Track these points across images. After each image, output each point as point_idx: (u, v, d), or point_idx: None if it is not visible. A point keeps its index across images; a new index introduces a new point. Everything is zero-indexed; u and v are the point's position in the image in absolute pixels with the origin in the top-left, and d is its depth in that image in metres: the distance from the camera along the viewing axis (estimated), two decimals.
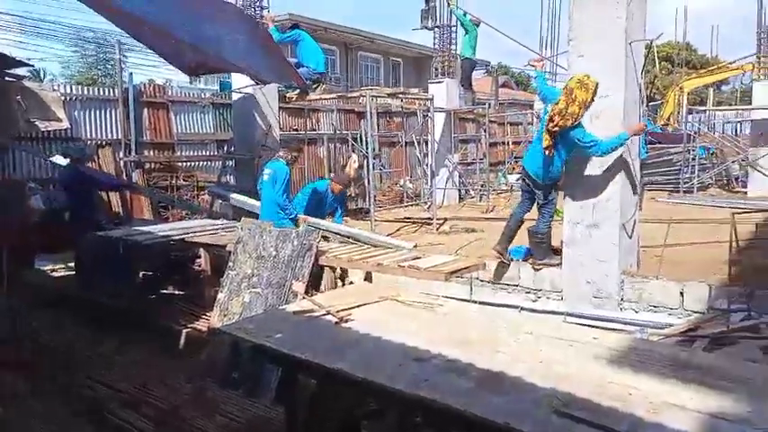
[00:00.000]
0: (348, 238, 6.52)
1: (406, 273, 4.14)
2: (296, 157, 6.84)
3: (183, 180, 9.93)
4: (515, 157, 15.99)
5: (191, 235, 5.92)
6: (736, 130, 20.13)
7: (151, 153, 9.78)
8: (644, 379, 2.44)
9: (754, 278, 4.74)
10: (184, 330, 4.87)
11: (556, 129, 5.15)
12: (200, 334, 4.83)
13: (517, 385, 2.43)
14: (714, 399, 2.24)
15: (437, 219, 9.04)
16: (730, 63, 16.34)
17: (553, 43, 14.88)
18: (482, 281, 5.83)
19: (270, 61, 4.44)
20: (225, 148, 10.36)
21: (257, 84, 7.95)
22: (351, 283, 4.87)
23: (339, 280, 4.91)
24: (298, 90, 8.42)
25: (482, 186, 12.18)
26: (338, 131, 11.42)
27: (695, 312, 4.81)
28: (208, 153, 10.44)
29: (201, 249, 5.67)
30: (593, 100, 5.02)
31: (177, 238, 5.89)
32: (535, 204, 5.80)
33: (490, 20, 11.95)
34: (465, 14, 11.70)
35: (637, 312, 5.13)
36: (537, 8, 14.61)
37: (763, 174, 11.71)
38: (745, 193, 12.28)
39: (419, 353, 2.80)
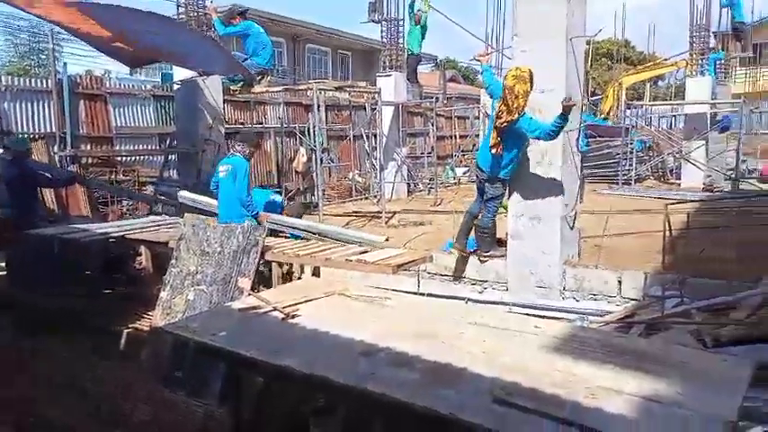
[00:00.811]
0: (316, 234, 6.32)
1: (353, 267, 4.13)
2: (254, 152, 6.53)
3: (124, 175, 9.57)
4: (462, 151, 16.22)
5: (131, 232, 5.73)
6: (671, 124, 21.03)
7: (88, 147, 9.38)
8: (583, 365, 2.52)
9: (686, 266, 4.98)
10: (125, 330, 4.71)
11: (504, 124, 5.25)
12: (141, 334, 4.68)
13: (462, 376, 2.47)
14: (648, 382, 2.33)
15: (386, 212, 9.06)
16: (665, 60, 17.06)
17: (499, 37, 15.10)
18: (430, 273, 5.90)
19: (213, 52, 4.33)
20: (167, 142, 10.04)
21: (200, 75, 7.73)
22: (299, 278, 4.83)
23: (288, 275, 4.87)
24: (242, 83, 8.24)
25: (430, 180, 12.29)
26: (285, 125, 11.28)
27: (632, 300, 5.01)
28: (149, 147, 10.11)
29: (142, 247, 5.49)
30: (532, 87, 5.17)
31: (117, 235, 5.69)
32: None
33: (437, 14, 12.07)
34: (425, 13, 11.76)
35: (578, 301, 5.30)
36: (483, 2, 14.70)
37: (696, 166, 12.29)
38: (679, 184, 12.85)
39: (366, 347, 2.81)
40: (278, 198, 7.80)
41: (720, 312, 4.25)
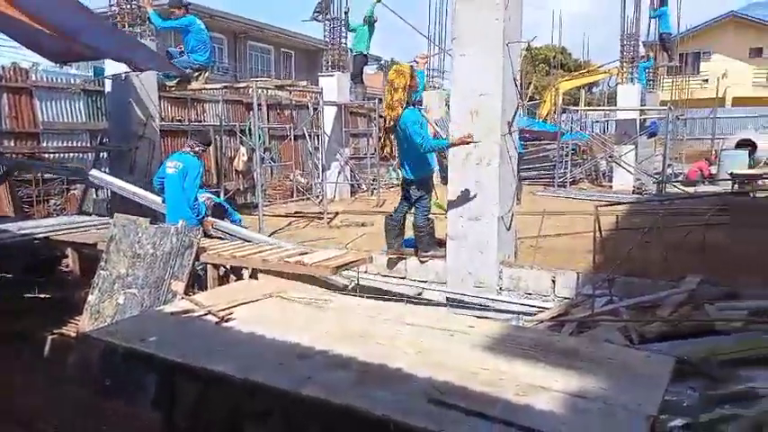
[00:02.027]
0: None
1: (291, 269, 4.08)
2: (205, 151, 6.27)
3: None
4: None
5: (57, 233, 5.45)
6: (604, 129, 21.89)
7: (12, 143, 8.84)
8: (515, 364, 2.58)
9: (614, 266, 5.19)
10: (49, 336, 4.48)
11: (392, 123, 5.41)
12: (68, 340, 4.46)
13: (398, 377, 2.48)
14: (576, 379, 2.41)
15: (328, 213, 9.01)
16: (599, 67, 17.75)
17: (442, 39, 15.30)
18: (371, 274, 5.90)
19: (143, 48, 4.18)
20: (99, 139, 9.60)
21: (133, 70, 7.44)
22: (236, 280, 4.72)
23: (225, 278, 4.75)
24: (177, 79, 7.98)
25: (373, 180, 12.31)
26: (225, 123, 11.02)
27: (565, 298, 5.18)
28: (79, 144, 9.62)
29: (69, 249, 5.24)
30: (412, 83, 5.37)
31: (41, 236, 5.40)
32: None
33: (385, 17, 12.10)
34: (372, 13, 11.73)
35: (514, 300, 5.43)
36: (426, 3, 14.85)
37: (625, 169, 12.85)
38: (611, 186, 13.41)
39: (303, 350, 2.78)
40: (218, 199, 7.61)
41: (647, 310, 4.44)
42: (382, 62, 26.80)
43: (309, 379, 2.47)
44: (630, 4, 13.00)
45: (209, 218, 5.93)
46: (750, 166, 15.65)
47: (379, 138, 5.74)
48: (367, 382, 2.42)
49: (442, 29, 14.21)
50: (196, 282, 4.76)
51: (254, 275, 4.60)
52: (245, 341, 2.94)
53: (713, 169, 16.01)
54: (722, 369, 3.14)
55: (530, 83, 24.39)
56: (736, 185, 12.39)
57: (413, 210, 5.89)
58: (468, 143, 5.11)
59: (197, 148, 5.81)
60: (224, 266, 4.61)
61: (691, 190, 12.72)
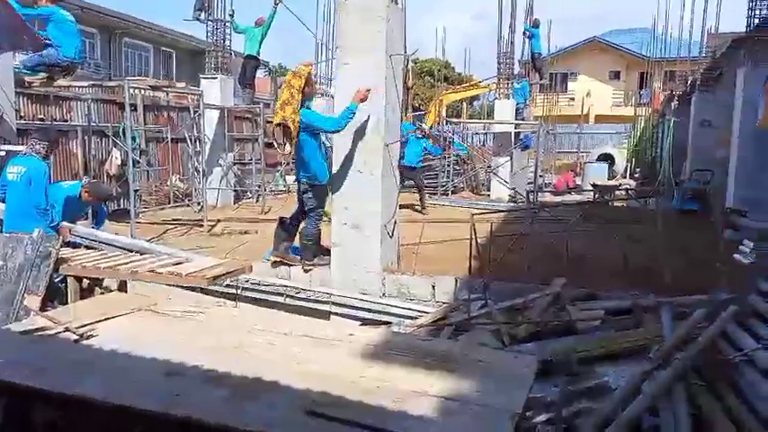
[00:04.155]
0: (131, 252, 5.59)
1: (164, 279, 3.85)
2: (52, 149, 5.63)
3: None
4: (293, 159, 16.10)
5: None
6: (483, 142, 23.08)
7: None
8: (392, 370, 2.61)
9: (488, 271, 5.46)
10: None
11: (284, 122, 5.48)
12: None
13: (274, 389, 2.41)
14: (450, 382, 2.49)
15: (209, 220, 8.66)
16: (480, 82, 18.68)
17: (329, 49, 15.33)
18: (253, 283, 5.73)
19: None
20: None
21: None
22: (102, 293, 4.38)
23: (89, 291, 4.38)
24: (41, 74, 7.28)
25: (259, 187, 12.03)
26: (95, 123, 10.23)
27: (444, 303, 5.36)
28: None
29: None
30: (309, 85, 5.52)
31: None
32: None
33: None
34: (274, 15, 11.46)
35: (396, 306, 5.52)
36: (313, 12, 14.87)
37: (499, 181, 13.60)
38: (489, 195, 14.14)
39: (173, 366, 2.63)
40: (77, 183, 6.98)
41: (518, 312, 4.71)
42: (269, 67, 26.34)
43: (178, 397, 2.34)
44: (506, 25, 13.81)
45: (65, 223, 5.38)
46: (609, 178, 17.27)
47: (274, 139, 5.67)
48: (242, 397, 2.34)
49: (330, 37, 14.28)
50: (56, 296, 4.35)
51: (122, 288, 4.29)
52: (108, 360, 2.73)
53: (578, 180, 17.44)
54: (580, 365, 3.39)
55: (416, 94, 25.19)
56: (597, 195, 13.58)
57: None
58: (366, 97, 5.29)
59: (38, 146, 5.18)
60: (87, 278, 4.25)
61: (558, 199, 13.76)
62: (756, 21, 8.83)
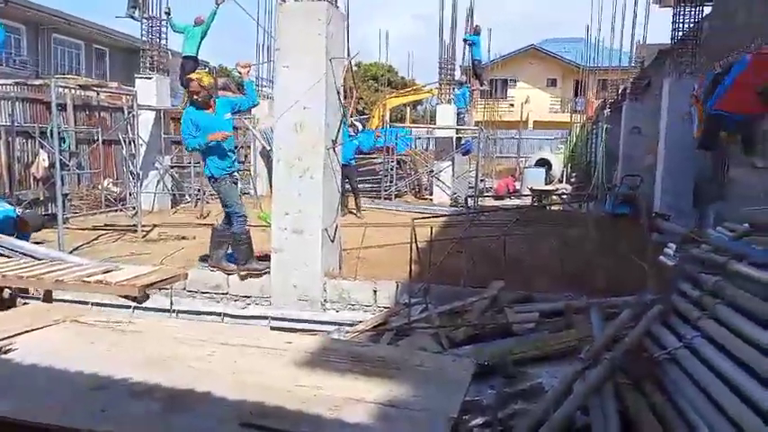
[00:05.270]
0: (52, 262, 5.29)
1: (92, 289, 3.67)
2: None
3: None
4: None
5: None
6: (426, 146, 23.34)
7: None
8: (330, 378, 2.58)
9: (429, 275, 5.51)
10: None
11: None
12: None
13: (206, 402, 2.34)
14: (388, 388, 2.48)
15: (144, 226, 8.35)
16: (423, 87, 18.88)
17: (270, 51, 15.11)
18: (189, 291, 5.57)
19: None
20: None
21: None
22: (26, 304, 4.14)
23: (11, 302, 4.13)
24: None
25: (198, 191, 11.70)
26: (19, 123, 9.68)
27: (386, 308, 5.37)
28: None
29: None
30: (201, 90, 5.60)
31: None
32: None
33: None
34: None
35: (338, 312, 5.50)
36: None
37: (440, 186, 13.78)
38: (432, 199, 14.30)
39: (100, 380, 2.51)
40: (8, 209, 6.63)
41: (457, 315, 4.77)
42: (209, 67, 25.74)
43: (104, 413, 2.23)
44: (447, 31, 14.03)
45: None
46: (546, 183, 17.81)
47: None
48: (172, 411, 2.26)
49: (271, 38, 14.07)
50: None
51: (47, 298, 4.07)
52: (28, 375, 2.58)
53: (518, 185, 17.89)
54: (516, 367, 3.47)
55: (360, 98, 25.20)
56: (535, 199, 13.98)
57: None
58: (222, 137, 5.52)
59: None
60: (8, 288, 4.00)
61: (498, 203, 14.07)
62: (680, 34, 9.35)
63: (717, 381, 2.47)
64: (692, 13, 9.26)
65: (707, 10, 9.45)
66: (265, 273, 5.70)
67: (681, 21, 9.30)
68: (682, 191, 8.99)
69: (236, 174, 5.81)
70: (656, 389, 2.76)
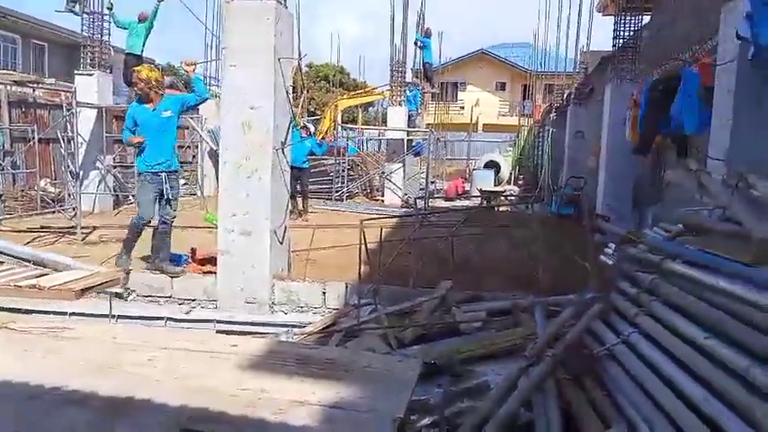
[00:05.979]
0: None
1: (24, 294, 3.50)
2: None
3: None
4: (181, 163, 15.37)
5: None
6: (378, 147, 23.39)
7: None
8: (275, 381, 2.55)
9: (377, 276, 5.52)
10: None
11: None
12: None
13: (146, 408, 2.27)
14: (334, 390, 2.46)
15: (83, 228, 8.03)
16: (374, 89, 18.92)
17: (219, 49, 14.83)
18: (131, 294, 5.38)
19: None
20: None
21: None
22: None
23: None
24: None
25: None
26: None
27: (335, 309, 5.34)
28: None
29: None
30: (160, 80, 5.75)
31: None
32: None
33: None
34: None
35: (286, 314, 5.43)
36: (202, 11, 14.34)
37: (391, 187, 13.85)
38: (383, 200, 14.34)
39: (32, 389, 2.40)
40: None
41: (406, 316, 4.79)
42: (156, 65, 25.03)
43: (35, 423, 2.13)
44: (398, 33, 14.11)
45: None
46: (495, 184, 18.15)
47: None
48: (107, 418, 2.18)
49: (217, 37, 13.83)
50: None
51: None
52: None
53: (467, 186, 18.16)
54: (463, 366, 3.51)
55: (311, 98, 25.04)
56: (484, 200, 14.22)
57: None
58: (136, 143, 5.64)
59: None
60: None
61: (448, 204, 14.25)
62: (621, 41, 9.70)
63: (653, 376, 2.56)
64: (633, 21, 9.62)
65: (646, 19, 9.86)
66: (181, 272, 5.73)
67: (622, 29, 9.65)
68: (622, 193, 9.32)
69: (162, 174, 5.65)
70: (597, 384, 2.85)
